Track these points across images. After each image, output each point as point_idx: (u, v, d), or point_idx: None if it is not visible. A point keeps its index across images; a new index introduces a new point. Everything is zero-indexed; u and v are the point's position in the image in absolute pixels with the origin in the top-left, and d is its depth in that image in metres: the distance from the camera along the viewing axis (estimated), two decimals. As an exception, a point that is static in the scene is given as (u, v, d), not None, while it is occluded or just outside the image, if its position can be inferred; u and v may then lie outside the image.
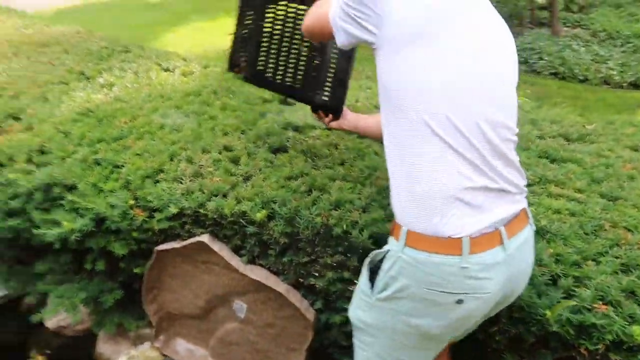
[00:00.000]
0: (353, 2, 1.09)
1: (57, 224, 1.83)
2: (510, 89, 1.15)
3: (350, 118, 1.78)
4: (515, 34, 6.97)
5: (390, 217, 1.55)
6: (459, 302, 1.05)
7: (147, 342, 2.10)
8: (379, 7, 1.04)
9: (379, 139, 1.66)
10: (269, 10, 1.67)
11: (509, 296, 1.19)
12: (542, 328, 1.31)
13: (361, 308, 1.20)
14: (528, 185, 1.73)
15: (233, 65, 1.77)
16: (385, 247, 1.15)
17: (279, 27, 1.69)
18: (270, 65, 1.71)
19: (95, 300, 2.03)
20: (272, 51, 1.70)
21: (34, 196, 1.93)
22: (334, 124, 1.80)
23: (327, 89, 1.77)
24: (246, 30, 1.74)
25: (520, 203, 1.15)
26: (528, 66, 6.06)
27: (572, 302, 1.28)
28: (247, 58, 1.71)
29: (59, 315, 2.24)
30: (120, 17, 8.14)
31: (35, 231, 1.82)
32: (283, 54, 1.70)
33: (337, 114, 1.77)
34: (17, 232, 1.98)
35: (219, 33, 7.30)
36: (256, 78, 1.68)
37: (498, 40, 1.13)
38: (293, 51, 1.72)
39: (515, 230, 1.11)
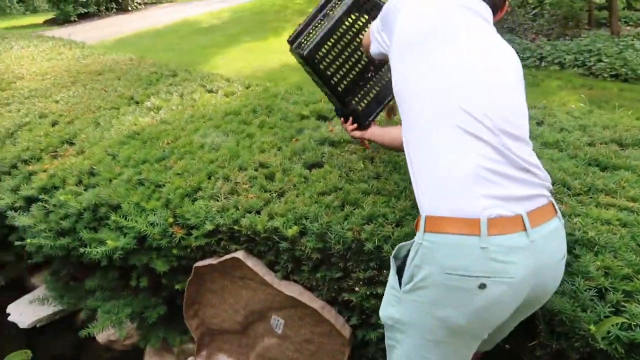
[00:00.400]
0: (381, 16, 1.32)
1: (102, 242, 1.91)
2: (514, 91, 1.19)
3: (372, 128, 1.81)
4: (571, 37, 6.71)
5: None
6: (482, 286, 1.02)
7: (191, 357, 2.13)
8: (391, 22, 1.26)
9: (395, 149, 1.71)
10: (353, 16, 1.73)
11: (539, 293, 1.13)
12: (587, 344, 1.22)
13: (390, 304, 1.18)
14: (576, 195, 1.64)
15: (294, 41, 1.81)
16: (411, 241, 1.15)
17: (353, 31, 1.75)
18: (329, 58, 1.76)
19: (140, 316, 2.10)
20: (338, 47, 1.75)
21: (83, 216, 2.03)
22: (356, 133, 1.82)
23: (365, 100, 1.83)
24: (323, 19, 1.78)
25: (543, 194, 1.13)
26: (585, 69, 5.78)
27: (621, 319, 1.18)
28: (311, 39, 1.76)
29: (109, 331, 2.33)
30: (173, 43, 8.54)
31: (82, 250, 1.90)
32: (345, 54, 1.77)
33: (361, 124, 1.82)
34: (68, 251, 2.08)
35: (267, 53, 7.50)
36: (309, 60, 1.72)
37: (495, 47, 1.21)
38: (354, 57, 1.78)
39: (540, 220, 1.07)
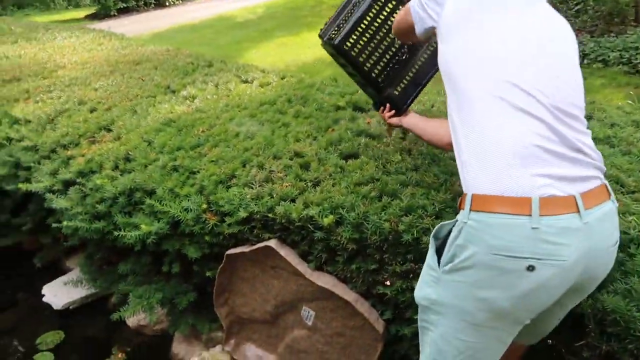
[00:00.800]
0: None
1: (136, 227, 1.91)
2: (570, 65, 1.13)
3: (411, 116, 1.72)
4: (616, 33, 6.44)
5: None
6: (530, 268, 0.96)
7: (219, 345, 2.12)
8: None
9: (434, 145, 1.60)
10: (381, 1, 1.68)
11: (588, 280, 1.07)
12: (643, 349, 1.14)
13: (427, 284, 1.13)
14: (630, 192, 1.55)
15: (325, 34, 1.78)
16: (452, 219, 1.10)
17: (383, 15, 1.70)
18: (360, 44, 1.71)
19: (171, 302, 2.10)
20: (368, 33, 1.70)
21: (118, 200, 2.04)
22: (394, 120, 1.75)
23: (401, 85, 1.78)
24: (353, 9, 1.74)
25: (597, 176, 1.07)
26: (631, 67, 5.54)
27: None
28: (342, 29, 1.72)
29: (139, 315, 2.34)
30: (209, 37, 8.62)
31: (116, 233, 1.91)
32: (376, 40, 1.72)
33: (399, 110, 1.75)
34: (102, 234, 2.10)
35: (300, 48, 7.48)
36: (340, 49, 1.68)
37: (550, 19, 1.15)
38: (386, 41, 1.73)
39: (594, 202, 1.02)
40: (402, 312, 1.59)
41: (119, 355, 2.31)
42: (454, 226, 1.08)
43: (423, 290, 1.15)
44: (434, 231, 1.14)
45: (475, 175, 1.04)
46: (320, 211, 1.60)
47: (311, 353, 1.86)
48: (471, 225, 1.01)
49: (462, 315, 1.07)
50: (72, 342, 2.47)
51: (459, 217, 1.06)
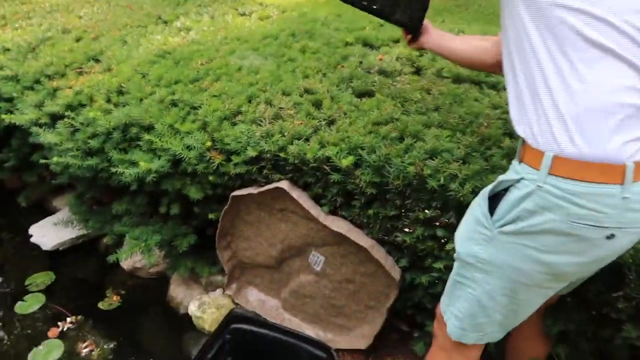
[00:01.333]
0: None
1: (134, 164, 1.78)
2: None
3: (433, 35, 1.47)
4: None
5: (495, 168, 1.37)
6: (610, 237, 0.89)
7: (219, 289, 2.06)
8: None
9: (464, 64, 1.46)
10: None
11: None
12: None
13: (475, 241, 1.03)
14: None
15: None
16: (512, 175, 0.97)
17: None
18: None
19: (169, 244, 2.00)
20: None
21: (112, 136, 1.89)
22: (414, 45, 1.53)
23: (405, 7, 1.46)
24: None
25: None
26: None
27: None
28: None
29: (134, 257, 2.25)
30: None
31: (113, 170, 1.78)
32: None
33: (414, 33, 1.51)
34: (95, 172, 1.96)
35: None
36: None
37: None
38: None
39: None
40: (419, 260, 1.53)
41: (114, 298, 2.23)
42: (514, 183, 0.96)
43: (469, 246, 1.05)
44: (490, 187, 1.02)
45: (557, 134, 0.89)
46: (337, 152, 1.49)
47: (317, 298, 1.80)
48: (549, 190, 0.89)
49: (516, 277, 0.99)
50: (63, 284, 2.38)
51: (525, 175, 0.94)
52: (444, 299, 1.19)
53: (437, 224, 1.41)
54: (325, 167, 1.50)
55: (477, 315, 1.08)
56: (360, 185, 1.46)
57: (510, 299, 1.03)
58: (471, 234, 1.05)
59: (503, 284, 1.01)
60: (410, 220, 1.45)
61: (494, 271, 1.01)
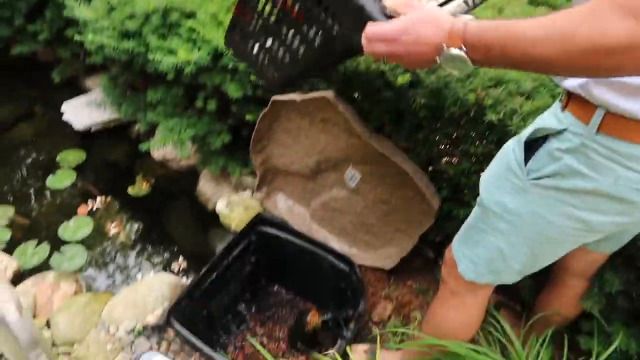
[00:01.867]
0: None
1: (172, 52, 1.69)
2: None
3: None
4: None
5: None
6: None
7: (248, 190, 2.05)
8: None
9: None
10: None
11: None
12: None
13: (504, 190, 0.95)
14: None
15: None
16: (554, 123, 0.87)
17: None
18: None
19: (202, 139, 1.96)
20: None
21: (150, 19, 1.78)
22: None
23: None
24: None
25: None
26: None
27: None
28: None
29: (166, 148, 2.24)
30: None
31: (151, 56, 1.69)
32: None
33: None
34: (131, 56, 1.87)
35: None
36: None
37: None
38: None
39: None
40: (460, 193, 1.47)
41: (143, 185, 2.25)
42: (554, 134, 0.86)
43: (497, 195, 0.96)
44: (527, 132, 0.91)
45: (612, 87, 0.76)
46: (393, 66, 1.37)
47: (347, 214, 1.79)
48: (597, 150, 0.80)
49: (546, 231, 0.92)
50: (94, 165, 2.40)
51: (569, 126, 0.83)
52: (457, 243, 1.13)
53: (488, 160, 1.32)
54: (377, 82, 1.40)
55: (495, 262, 1.03)
56: (414, 107, 1.36)
57: (533, 249, 0.97)
58: (500, 181, 0.96)
59: (529, 235, 0.95)
60: (460, 151, 1.37)
61: (521, 223, 0.94)
